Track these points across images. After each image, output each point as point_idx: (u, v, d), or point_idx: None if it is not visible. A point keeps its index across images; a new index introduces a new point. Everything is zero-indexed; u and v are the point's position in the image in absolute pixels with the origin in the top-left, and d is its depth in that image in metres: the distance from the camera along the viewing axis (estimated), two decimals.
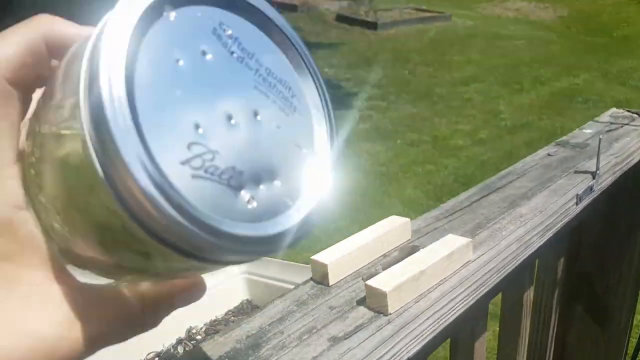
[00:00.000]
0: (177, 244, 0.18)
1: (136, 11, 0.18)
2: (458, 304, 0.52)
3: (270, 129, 0.21)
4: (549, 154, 0.81)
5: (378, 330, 0.45)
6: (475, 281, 0.54)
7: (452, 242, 0.51)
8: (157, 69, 0.18)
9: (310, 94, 0.23)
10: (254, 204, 0.20)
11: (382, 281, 0.46)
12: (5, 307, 0.23)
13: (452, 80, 5.34)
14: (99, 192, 0.18)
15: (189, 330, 0.91)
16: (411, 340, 0.47)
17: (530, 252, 0.63)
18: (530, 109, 4.74)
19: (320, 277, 0.51)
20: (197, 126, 0.18)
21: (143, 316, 0.27)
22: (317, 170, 0.22)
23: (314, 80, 0.23)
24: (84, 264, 0.25)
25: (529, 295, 0.82)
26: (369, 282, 0.46)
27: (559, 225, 0.67)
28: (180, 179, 0.18)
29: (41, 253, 0.24)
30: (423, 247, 0.55)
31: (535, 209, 0.65)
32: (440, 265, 0.49)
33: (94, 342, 0.25)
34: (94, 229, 0.21)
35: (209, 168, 0.18)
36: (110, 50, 0.17)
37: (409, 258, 0.49)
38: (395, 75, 5.48)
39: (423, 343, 0.48)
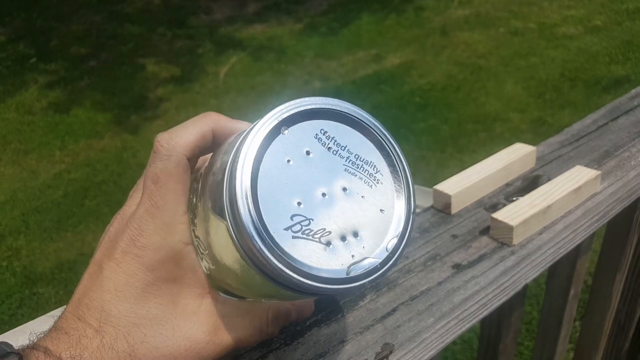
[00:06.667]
0: (281, 283, 0.26)
1: (264, 131, 0.27)
2: (580, 234, 0.52)
3: (355, 198, 0.28)
4: None
5: (501, 261, 0.47)
6: (599, 211, 0.53)
7: (580, 175, 0.51)
8: (273, 168, 0.27)
9: (391, 168, 0.30)
10: (339, 253, 0.27)
11: (508, 214, 0.47)
12: (171, 316, 0.31)
13: None
14: (230, 247, 0.27)
15: None
16: (531, 269, 0.48)
17: None
18: None
19: (442, 206, 0.53)
20: (299, 203, 0.27)
21: (267, 327, 0.35)
22: (394, 226, 0.29)
23: (394, 158, 0.30)
24: (224, 287, 0.33)
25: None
26: (494, 215, 0.47)
27: None
28: (284, 239, 0.26)
29: (197, 276, 0.32)
30: (547, 177, 0.55)
31: None
32: (567, 199, 0.49)
33: (231, 346, 0.33)
34: (229, 269, 0.29)
35: (305, 230, 0.26)
36: (244, 156, 0.26)
37: (535, 191, 0.50)
38: None
39: (541, 270, 0.50)
